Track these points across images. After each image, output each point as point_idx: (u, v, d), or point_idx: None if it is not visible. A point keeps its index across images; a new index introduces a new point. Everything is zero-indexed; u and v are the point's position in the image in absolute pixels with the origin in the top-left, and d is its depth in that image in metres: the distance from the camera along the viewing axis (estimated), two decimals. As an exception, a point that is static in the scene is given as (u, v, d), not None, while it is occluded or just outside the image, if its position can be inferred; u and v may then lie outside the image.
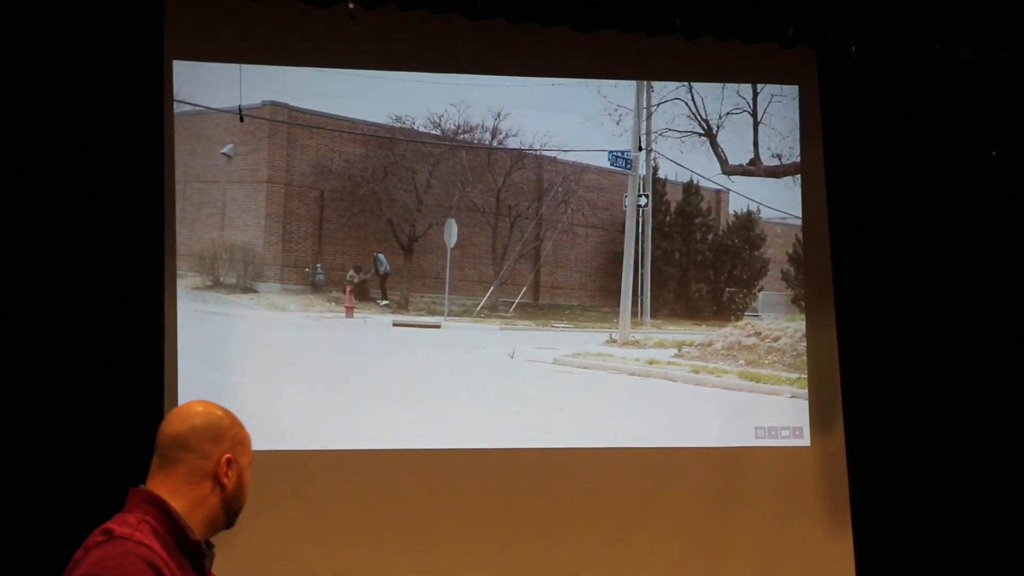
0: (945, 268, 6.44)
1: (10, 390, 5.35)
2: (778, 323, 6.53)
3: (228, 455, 2.77)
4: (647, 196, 6.44)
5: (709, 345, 6.49)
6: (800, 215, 6.49)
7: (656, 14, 5.55)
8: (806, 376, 6.37)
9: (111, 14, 5.56)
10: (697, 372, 6.38)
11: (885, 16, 5.63)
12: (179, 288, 5.75)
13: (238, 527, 5.57)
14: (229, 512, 2.80)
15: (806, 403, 6.35)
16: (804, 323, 6.42)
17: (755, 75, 6.38)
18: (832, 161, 6.42)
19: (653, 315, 6.47)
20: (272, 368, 5.90)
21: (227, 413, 2.83)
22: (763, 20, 5.62)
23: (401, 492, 5.87)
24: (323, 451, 5.82)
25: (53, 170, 5.53)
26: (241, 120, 5.64)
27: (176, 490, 2.71)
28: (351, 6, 5.03)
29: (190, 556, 2.69)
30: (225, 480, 2.75)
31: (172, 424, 2.78)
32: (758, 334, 6.52)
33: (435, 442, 5.97)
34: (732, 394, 6.36)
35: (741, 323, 6.54)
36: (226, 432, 2.79)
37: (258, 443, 5.60)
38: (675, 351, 6.42)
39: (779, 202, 6.59)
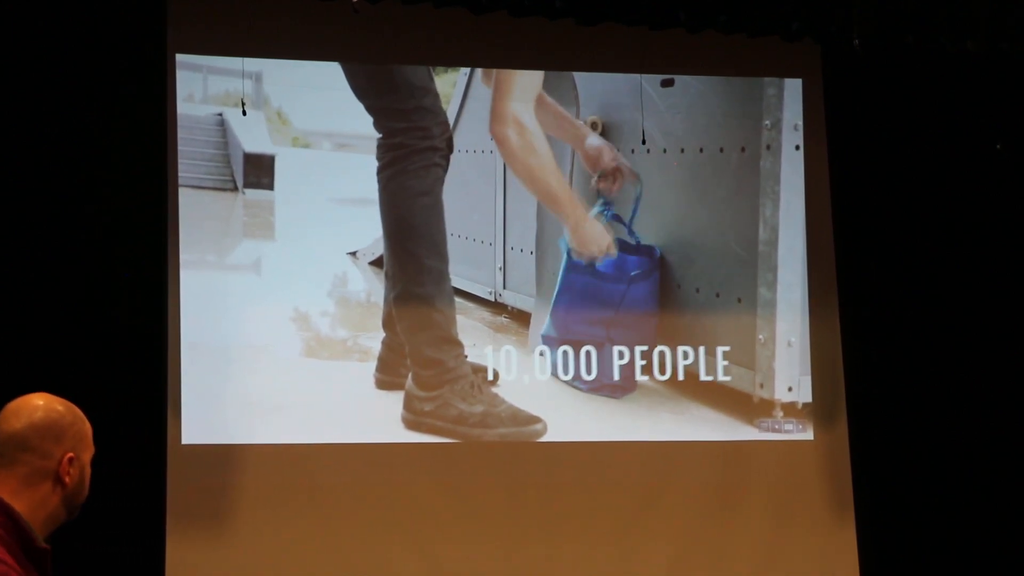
0: (949, 262, 6.43)
1: (11, 390, 5.33)
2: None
3: (70, 453, 2.64)
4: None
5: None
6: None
7: (660, 8, 5.54)
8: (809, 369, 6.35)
9: (114, 7, 5.56)
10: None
11: (889, 9, 5.62)
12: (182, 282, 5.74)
13: (241, 523, 5.64)
14: (70, 508, 2.67)
15: (809, 395, 6.32)
16: (808, 316, 6.39)
17: (759, 69, 6.36)
18: (836, 155, 6.41)
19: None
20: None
21: (68, 408, 2.72)
22: (767, 14, 5.61)
23: (402, 486, 5.86)
24: (325, 445, 5.81)
25: (55, 164, 5.52)
26: (244, 114, 5.64)
27: (17, 492, 2.57)
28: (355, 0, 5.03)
29: (36, 563, 2.56)
30: (67, 479, 2.63)
31: (9, 422, 2.66)
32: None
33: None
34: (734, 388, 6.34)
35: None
36: (68, 429, 2.67)
37: (263, 437, 5.67)
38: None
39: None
